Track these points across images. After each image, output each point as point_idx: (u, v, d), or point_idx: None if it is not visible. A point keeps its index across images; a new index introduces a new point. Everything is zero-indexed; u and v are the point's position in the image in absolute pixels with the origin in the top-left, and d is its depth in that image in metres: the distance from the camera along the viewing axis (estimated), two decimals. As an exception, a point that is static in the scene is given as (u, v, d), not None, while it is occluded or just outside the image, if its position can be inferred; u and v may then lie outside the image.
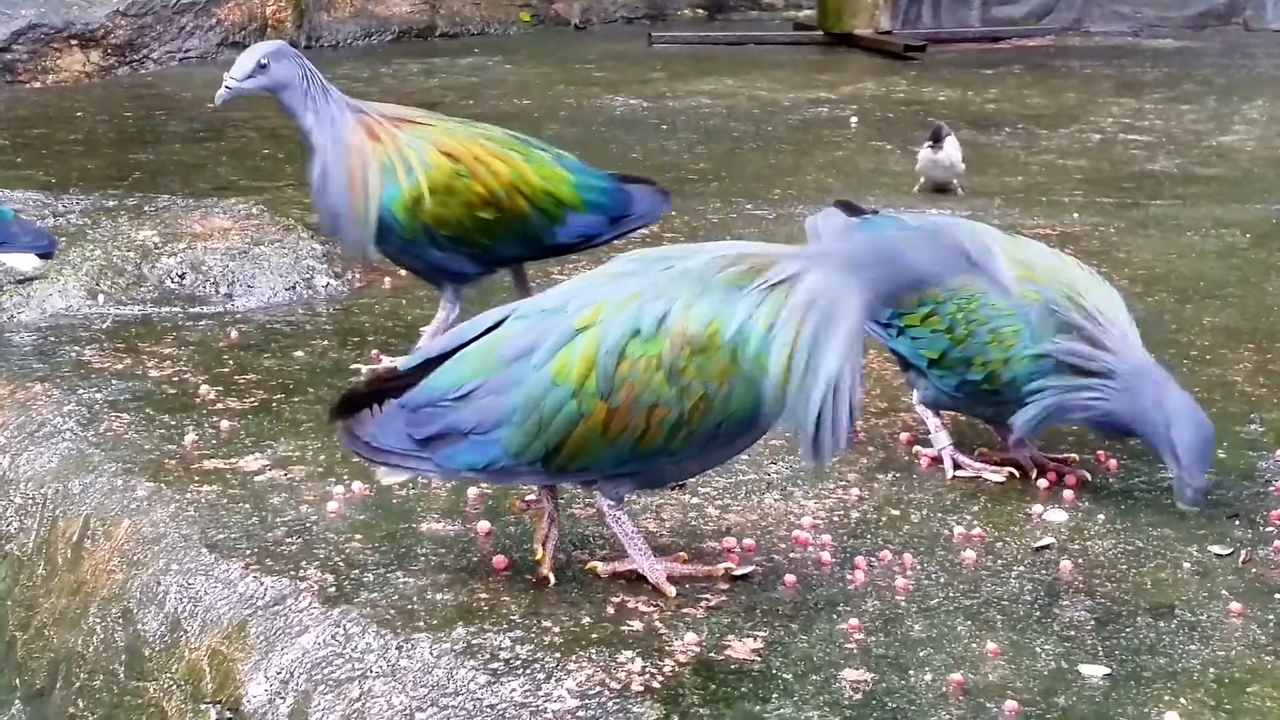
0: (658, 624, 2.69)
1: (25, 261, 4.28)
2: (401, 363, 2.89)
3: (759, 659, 2.59)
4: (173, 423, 3.61)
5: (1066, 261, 3.35)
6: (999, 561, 2.98)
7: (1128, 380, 3.13)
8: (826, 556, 2.96)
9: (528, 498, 3.09)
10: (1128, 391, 3.13)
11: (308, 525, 3.08)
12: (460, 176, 3.84)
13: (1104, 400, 3.14)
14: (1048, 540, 3.06)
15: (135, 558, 3.08)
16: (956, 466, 3.37)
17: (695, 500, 3.21)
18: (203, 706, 2.77)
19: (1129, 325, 3.23)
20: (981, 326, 3.24)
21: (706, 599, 2.78)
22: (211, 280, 4.70)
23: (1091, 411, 3.17)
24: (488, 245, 3.91)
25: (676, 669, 2.55)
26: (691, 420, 2.65)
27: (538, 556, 2.84)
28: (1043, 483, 3.32)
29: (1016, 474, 3.36)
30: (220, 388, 3.84)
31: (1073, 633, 2.71)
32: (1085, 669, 2.58)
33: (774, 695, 2.48)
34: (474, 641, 2.62)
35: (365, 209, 3.82)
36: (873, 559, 2.96)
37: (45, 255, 4.23)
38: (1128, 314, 3.26)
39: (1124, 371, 3.14)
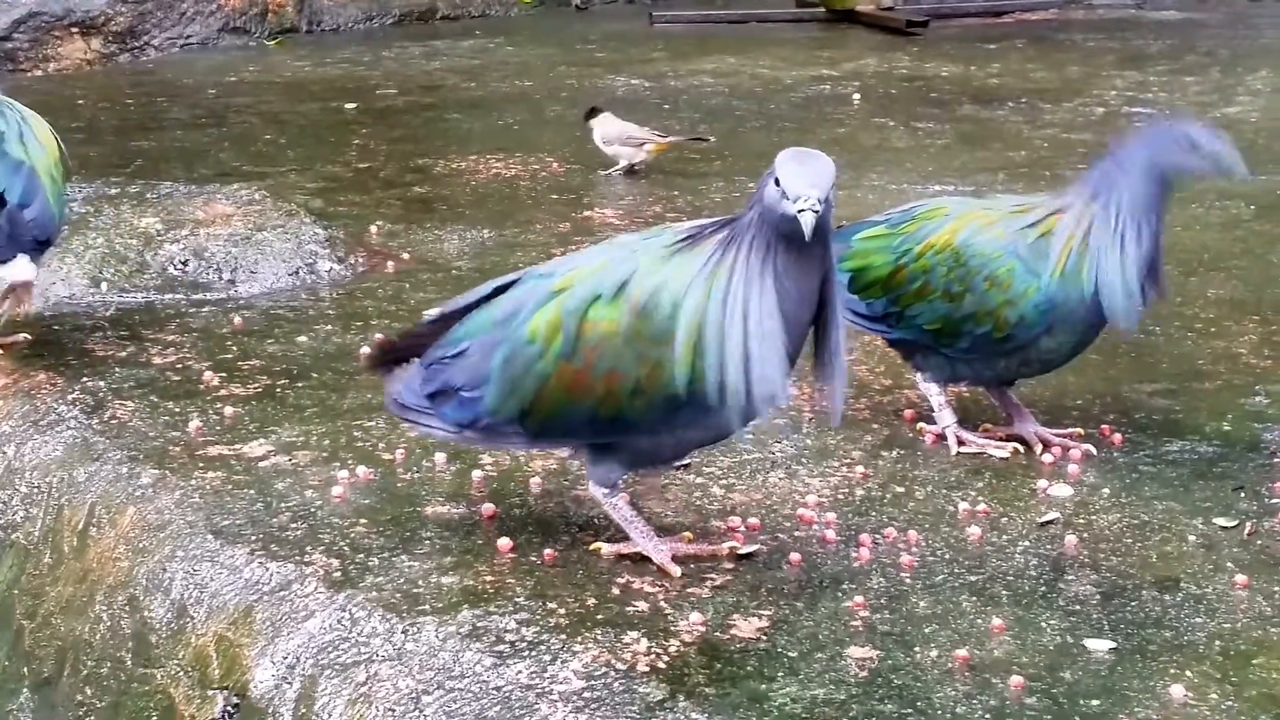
0: (663, 604, 2.69)
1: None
2: (426, 316, 3.02)
3: (764, 638, 2.59)
4: (177, 409, 3.62)
5: (1023, 199, 3.43)
6: (1004, 537, 2.98)
7: (1114, 167, 3.22)
8: (831, 534, 2.96)
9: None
10: (1124, 173, 3.20)
11: (312, 510, 3.08)
12: None
13: (1130, 202, 3.18)
14: (1053, 515, 3.06)
15: (141, 545, 3.09)
16: (961, 443, 3.37)
17: (700, 480, 3.21)
18: (210, 692, 2.77)
19: None
20: (976, 276, 3.25)
21: (711, 578, 2.78)
22: (214, 266, 4.70)
23: (1140, 223, 3.18)
24: None
25: (682, 649, 2.55)
26: (648, 388, 2.66)
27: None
28: (1047, 458, 3.32)
29: (1021, 449, 3.36)
30: (224, 374, 3.84)
31: (1078, 607, 2.71)
32: (1091, 643, 2.58)
33: (779, 674, 2.48)
34: (479, 624, 2.62)
35: None
36: (878, 536, 2.95)
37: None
38: None
39: (1103, 175, 3.22)
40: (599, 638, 2.57)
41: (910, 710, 2.38)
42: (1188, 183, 3.33)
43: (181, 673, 2.84)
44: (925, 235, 3.32)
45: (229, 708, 2.73)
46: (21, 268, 3.71)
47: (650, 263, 2.68)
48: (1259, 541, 2.96)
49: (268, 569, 2.87)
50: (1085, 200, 3.23)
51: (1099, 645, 2.58)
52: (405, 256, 4.92)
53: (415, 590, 2.74)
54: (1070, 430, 3.43)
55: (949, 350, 3.35)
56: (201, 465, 3.30)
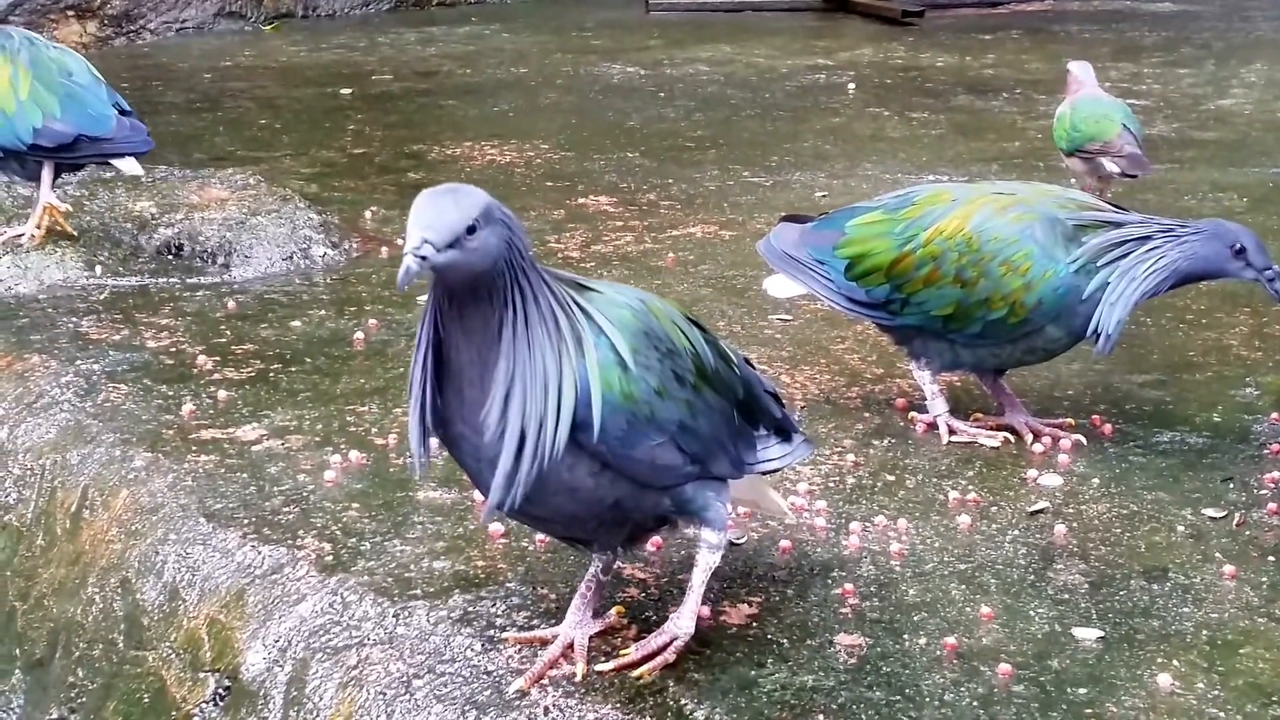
0: (653, 590, 2.70)
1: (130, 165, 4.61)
2: None
3: (754, 624, 2.60)
4: (170, 393, 3.62)
5: (1050, 186, 3.44)
6: (993, 526, 2.99)
7: (1179, 233, 3.25)
8: (822, 522, 2.97)
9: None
10: (1186, 241, 3.23)
11: (305, 494, 3.09)
12: None
13: (1171, 257, 3.22)
14: (1042, 504, 3.07)
15: (133, 528, 3.09)
16: (952, 432, 3.38)
17: (691, 467, 3.21)
18: (201, 675, 2.78)
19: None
20: (991, 262, 3.24)
21: (702, 565, 2.79)
22: (209, 251, 4.70)
23: (1163, 275, 3.22)
24: None
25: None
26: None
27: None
28: (1038, 447, 3.33)
29: (1011, 439, 3.37)
30: (217, 358, 3.85)
31: (1066, 596, 2.72)
32: (1079, 632, 2.60)
33: (769, 660, 2.49)
34: (470, 609, 2.63)
35: None
36: (868, 524, 2.96)
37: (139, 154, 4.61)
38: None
39: (1164, 228, 3.25)
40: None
41: (899, 697, 2.40)
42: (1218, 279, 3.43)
43: (173, 655, 2.85)
44: (932, 221, 3.30)
45: (220, 690, 2.74)
46: (135, 164, 4.61)
47: None
48: (1247, 532, 2.97)
49: (260, 552, 2.88)
50: (1141, 232, 3.25)
51: (1087, 634, 2.59)
52: (399, 242, 4.91)
53: (407, 575, 2.75)
54: (1061, 420, 3.44)
55: (956, 336, 3.33)
56: (194, 448, 3.31)
